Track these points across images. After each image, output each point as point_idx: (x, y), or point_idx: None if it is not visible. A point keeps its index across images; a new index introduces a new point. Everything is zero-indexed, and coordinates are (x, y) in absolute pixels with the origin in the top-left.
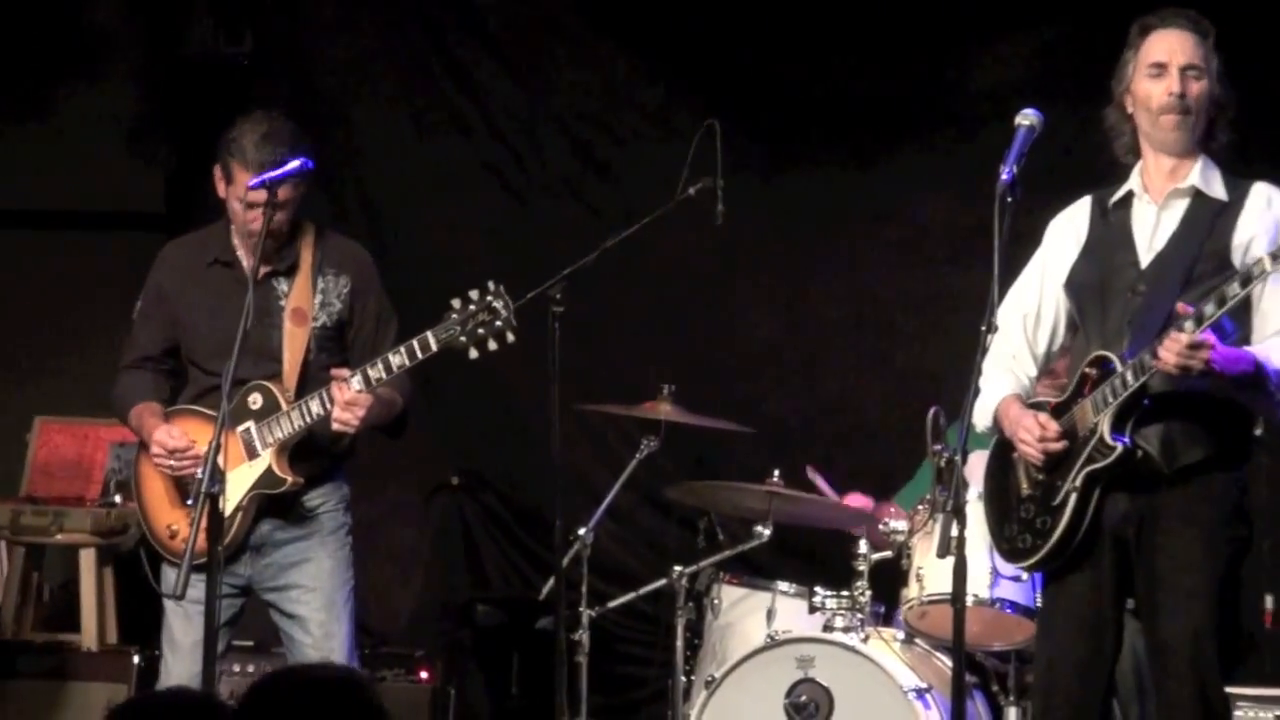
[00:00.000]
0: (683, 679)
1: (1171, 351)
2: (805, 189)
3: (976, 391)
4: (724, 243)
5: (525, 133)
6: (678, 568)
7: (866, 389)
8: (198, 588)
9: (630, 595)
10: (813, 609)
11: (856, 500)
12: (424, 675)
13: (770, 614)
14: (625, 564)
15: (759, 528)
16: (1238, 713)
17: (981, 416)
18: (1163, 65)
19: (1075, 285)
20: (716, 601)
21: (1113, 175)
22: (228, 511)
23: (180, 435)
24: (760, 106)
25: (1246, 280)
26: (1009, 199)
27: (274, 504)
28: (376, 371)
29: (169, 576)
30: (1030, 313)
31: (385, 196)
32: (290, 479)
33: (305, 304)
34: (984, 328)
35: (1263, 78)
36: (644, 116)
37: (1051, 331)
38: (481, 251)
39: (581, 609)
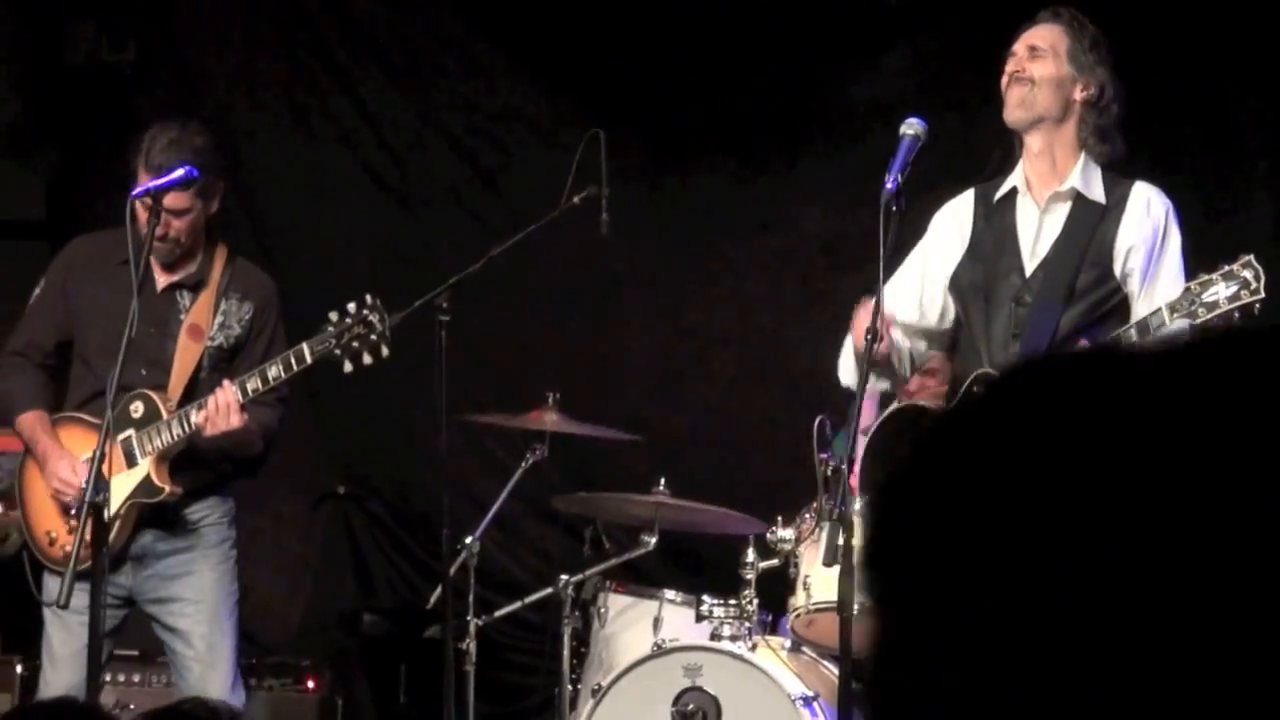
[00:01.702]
0: (569, 687)
1: None
2: (688, 198)
3: (859, 401)
4: (608, 251)
5: (410, 141)
6: (564, 576)
7: (750, 397)
8: (79, 597)
9: (517, 604)
10: (700, 617)
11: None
12: (310, 685)
13: (657, 622)
14: (512, 573)
15: (645, 536)
16: None
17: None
18: (1014, 54)
19: (960, 287)
20: (603, 610)
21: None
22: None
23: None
24: (644, 116)
25: (1144, 331)
26: (894, 208)
27: (154, 514)
28: (254, 382)
29: (49, 585)
30: (912, 312)
31: (270, 204)
32: (168, 489)
33: (204, 321)
34: (868, 336)
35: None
36: (529, 125)
37: (937, 324)
38: (367, 259)
39: (469, 618)
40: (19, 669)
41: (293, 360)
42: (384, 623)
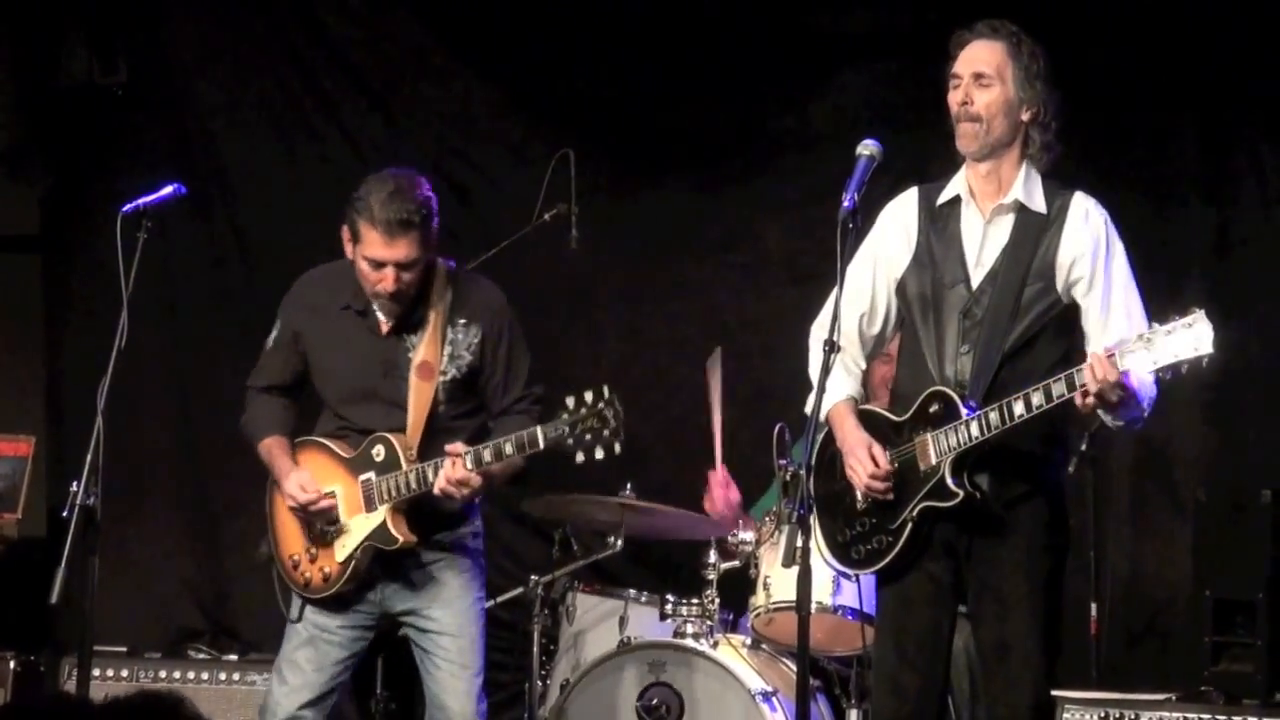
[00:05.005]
0: (539, 682)
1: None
2: (654, 215)
3: (818, 409)
4: (577, 265)
5: (388, 160)
6: (534, 576)
7: None
8: (323, 616)
9: (489, 603)
10: (664, 616)
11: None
12: None
13: (623, 620)
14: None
15: (611, 538)
16: (1065, 715)
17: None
18: (959, 76)
19: (907, 294)
20: (571, 608)
21: None
22: (340, 557)
23: (311, 487)
24: (611, 136)
25: (1071, 387)
26: (850, 225)
27: (388, 556)
28: (489, 454)
29: (294, 602)
30: (865, 311)
31: (256, 224)
32: (403, 539)
33: (433, 358)
34: (826, 348)
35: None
36: (502, 145)
37: (882, 327)
38: None
39: None
40: (12, 665)
41: (525, 442)
42: None
